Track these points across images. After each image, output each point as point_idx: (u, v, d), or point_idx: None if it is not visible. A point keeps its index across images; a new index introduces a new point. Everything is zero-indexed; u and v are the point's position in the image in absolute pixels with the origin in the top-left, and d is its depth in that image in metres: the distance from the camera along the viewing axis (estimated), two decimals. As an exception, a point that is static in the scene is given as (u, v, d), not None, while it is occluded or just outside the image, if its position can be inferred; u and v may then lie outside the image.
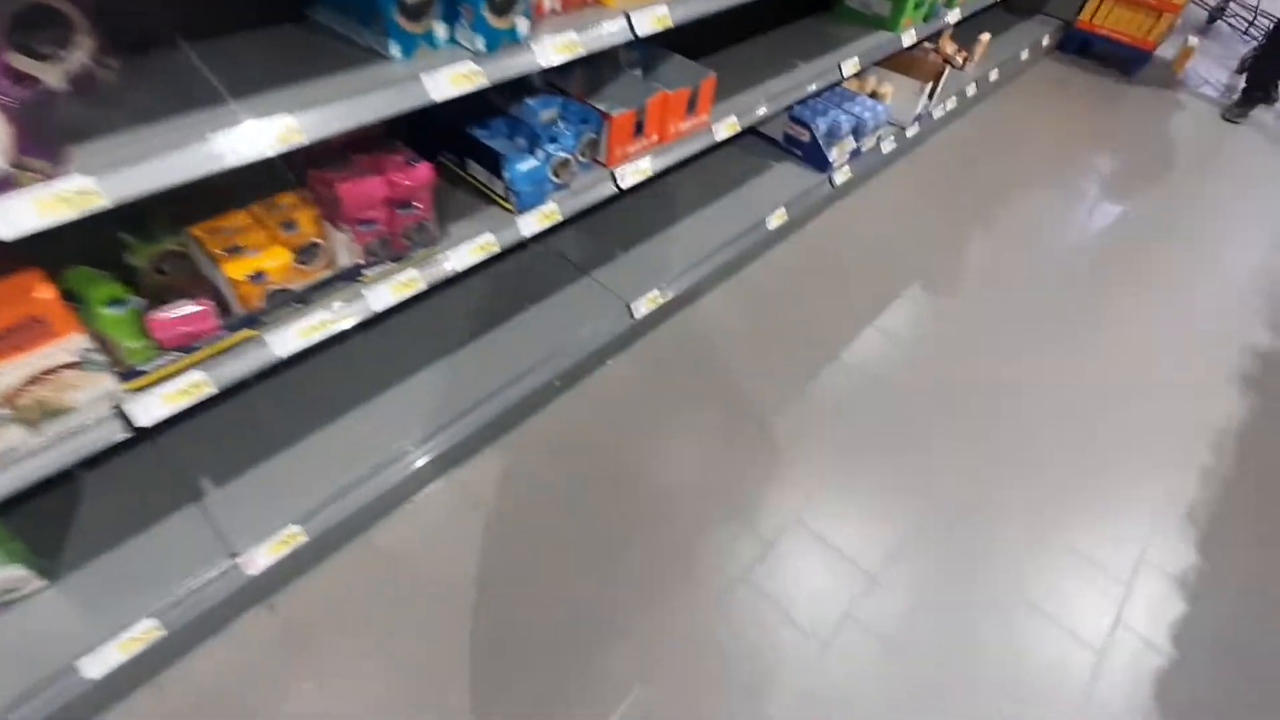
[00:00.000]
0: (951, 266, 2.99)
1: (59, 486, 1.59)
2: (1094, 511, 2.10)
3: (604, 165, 1.94)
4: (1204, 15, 5.65)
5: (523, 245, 2.22)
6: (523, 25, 1.40)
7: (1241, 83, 4.45)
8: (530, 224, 1.77)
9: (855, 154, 3.08)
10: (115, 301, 1.16)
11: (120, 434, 1.23)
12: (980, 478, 2.15)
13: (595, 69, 2.07)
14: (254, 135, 1.10)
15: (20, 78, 1.05)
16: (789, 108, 2.90)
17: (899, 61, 3.29)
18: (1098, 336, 2.70)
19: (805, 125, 2.91)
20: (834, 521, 1.98)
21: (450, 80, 1.33)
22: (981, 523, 2.03)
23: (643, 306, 2.32)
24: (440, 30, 1.35)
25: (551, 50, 1.48)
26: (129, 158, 1.01)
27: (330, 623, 1.65)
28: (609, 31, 1.57)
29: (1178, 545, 2.03)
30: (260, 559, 1.56)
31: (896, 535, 1.97)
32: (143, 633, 1.41)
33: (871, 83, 3.27)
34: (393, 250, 1.51)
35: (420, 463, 1.83)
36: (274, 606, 1.66)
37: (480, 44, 1.35)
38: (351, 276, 1.47)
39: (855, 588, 1.84)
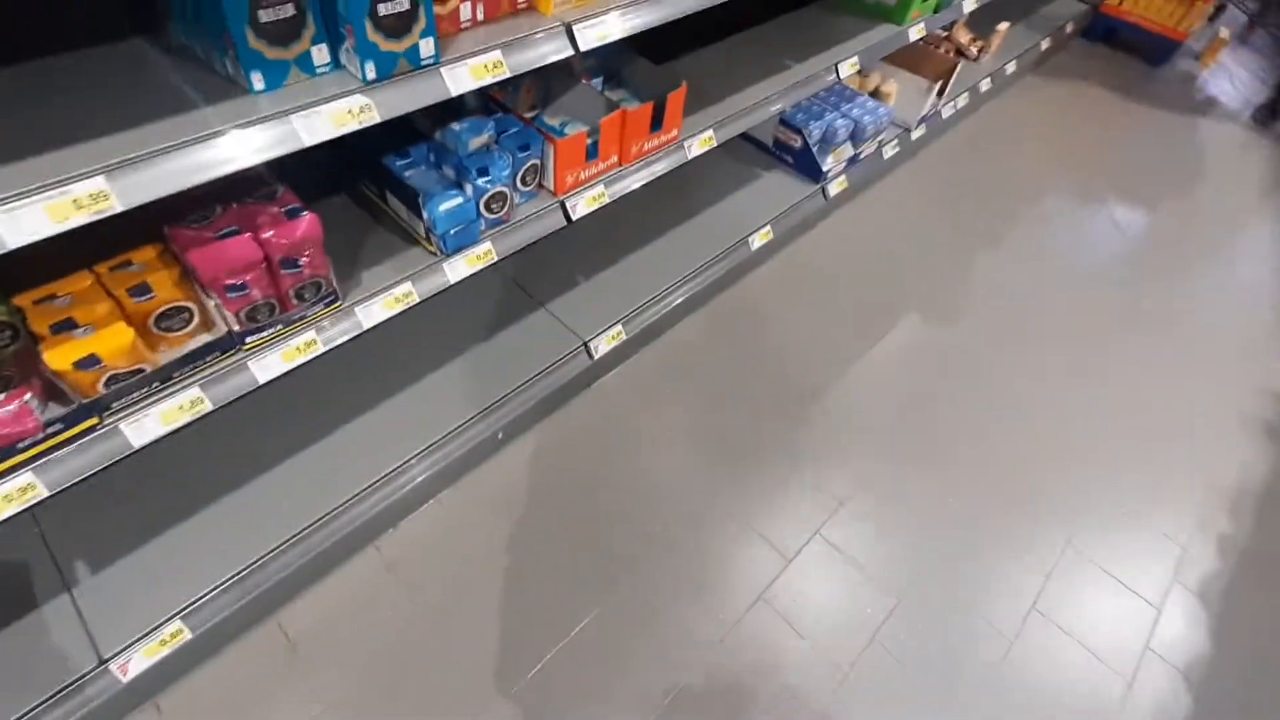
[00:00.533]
0: (955, 284, 2.72)
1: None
2: (1109, 531, 1.98)
3: (551, 193, 1.69)
4: (1242, 19, 5.22)
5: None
6: (426, 46, 1.13)
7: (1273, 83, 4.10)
8: (459, 269, 1.52)
9: (853, 161, 2.80)
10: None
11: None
12: (991, 500, 2.00)
13: (544, 79, 1.79)
14: (31, 217, 0.85)
15: None
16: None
17: (905, 56, 2.98)
18: (1113, 358, 2.46)
19: (797, 130, 2.63)
20: (853, 540, 1.87)
21: (331, 119, 1.07)
22: (989, 541, 1.90)
23: (603, 345, 2.08)
24: (319, 54, 1.09)
25: (467, 75, 1.21)
26: None
27: (225, 724, 1.46)
28: (543, 52, 1.30)
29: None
30: (136, 662, 1.36)
31: (912, 557, 1.86)
32: (-15, 760, 1.22)
33: (874, 80, 2.96)
34: (282, 313, 1.27)
35: (339, 533, 1.61)
36: (160, 708, 1.46)
37: (370, 70, 1.09)
38: (229, 347, 1.24)
39: (875, 609, 1.74)
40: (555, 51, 1.33)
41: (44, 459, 1.08)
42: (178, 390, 1.19)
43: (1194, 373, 2.49)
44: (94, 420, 1.12)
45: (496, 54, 1.24)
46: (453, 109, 1.56)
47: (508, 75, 1.27)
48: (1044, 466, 2.13)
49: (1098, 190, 3.30)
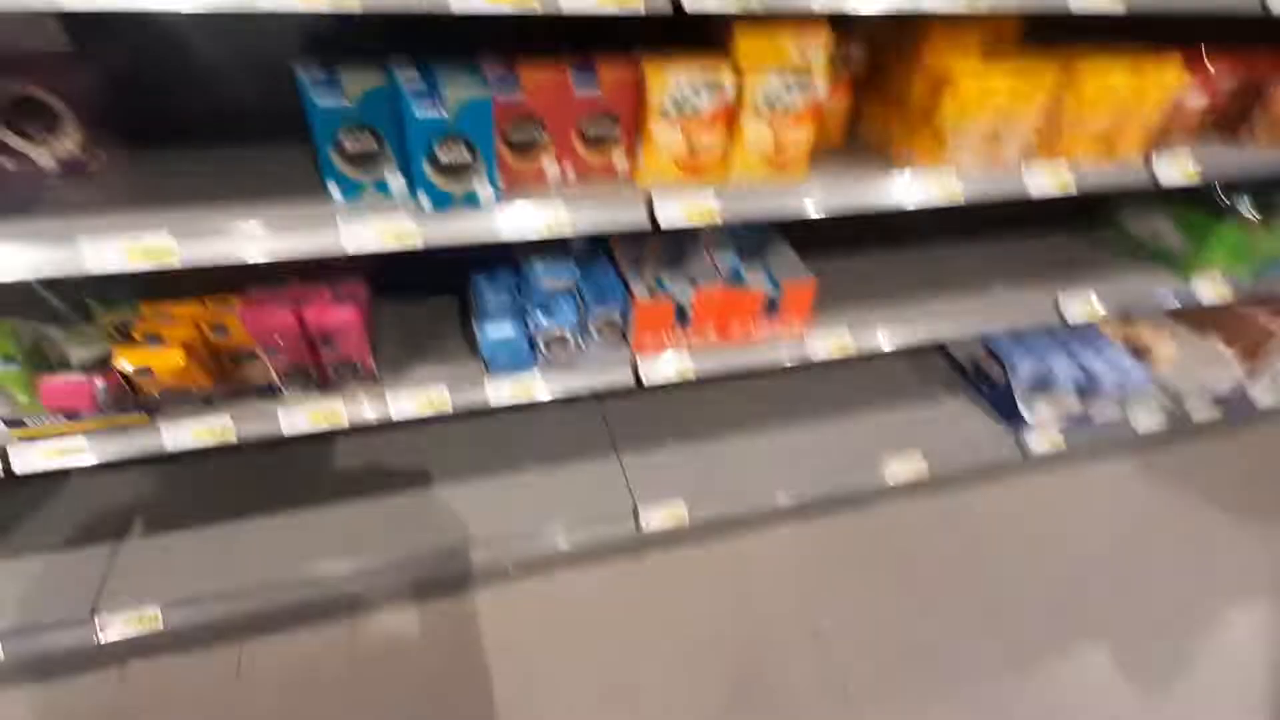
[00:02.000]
0: (1179, 648, 1.89)
1: None
2: None
3: (628, 349, 1.62)
4: None
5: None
6: (485, 192, 1.20)
7: None
8: (502, 392, 1.53)
9: (1079, 421, 2.20)
10: (6, 358, 1.23)
11: (-5, 470, 1.30)
12: None
13: (675, 244, 1.78)
14: (112, 248, 1.07)
15: (12, 153, 1.20)
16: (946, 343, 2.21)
17: (1210, 314, 2.31)
18: None
19: (999, 361, 2.18)
20: None
21: (378, 234, 1.18)
22: None
23: (655, 519, 1.88)
24: (397, 182, 1.23)
25: (524, 225, 1.25)
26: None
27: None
28: (615, 219, 1.29)
29: None
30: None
31: None
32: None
33: (1142, 333, 2.34)
34: (320, 380, 1.41)
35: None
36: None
37: (426, 202, 1.19)
38: (266, 393, 1.40)
39: None
40: (630, 221, 1.30)
41: (98, 434, 1.32)
42: (216, 414, 1.38)
43: None
44: (143, 418, 1.34)
45: (561, 211, 1.26)
46: (560, 249, 1.63)
47: (570, 234, 1.27)
48: None
49: None
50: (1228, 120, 1.73)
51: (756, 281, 1.73)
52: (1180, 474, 2.36)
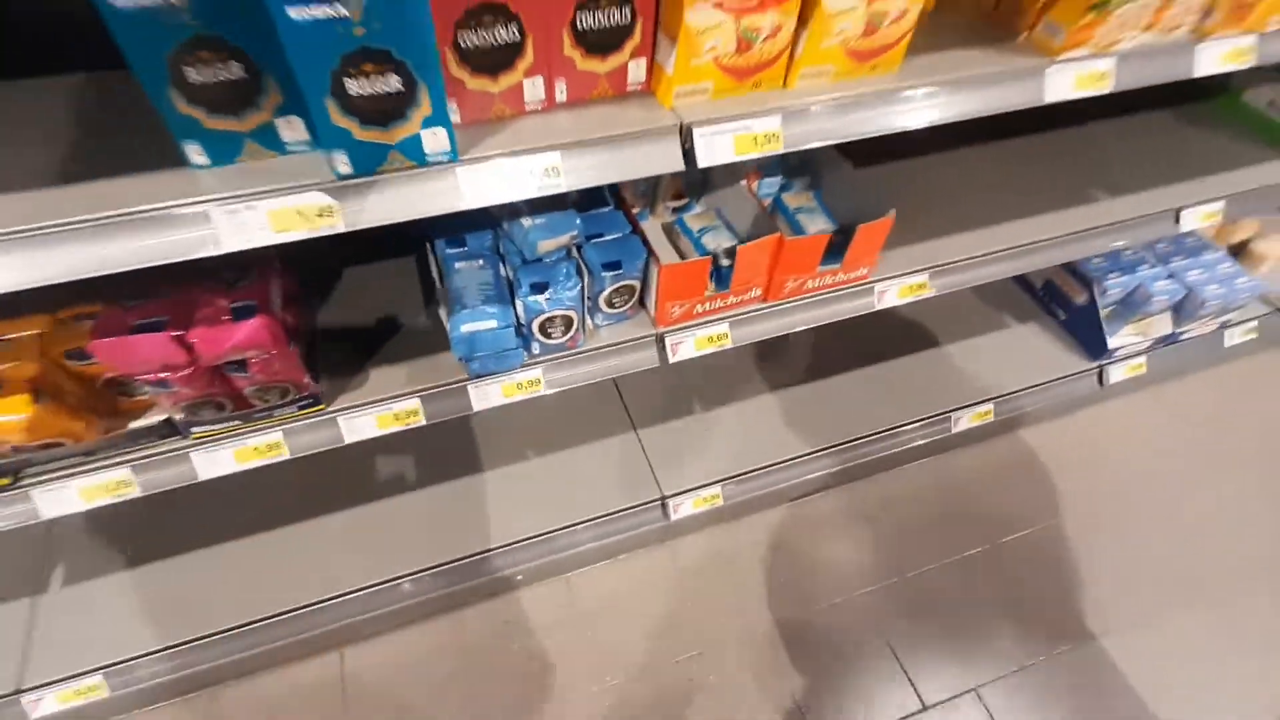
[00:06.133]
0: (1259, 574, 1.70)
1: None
2: None
3: (650, 321, 1.24)
4: None
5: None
6: (433, 138, 0.77)
7: None
8: (487, 396, 1.17)
9: (1167, 341, 1.88)
10: None
11: None
12: None
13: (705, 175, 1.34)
14: None
15: None
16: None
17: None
18: None
19: (1084, 281, 1.81)
20: None
21: (270, 220, 0.76)
22: None
23: (687, 506, 1.59)
24: (289, 131, 0.78)
25: (496, 183, 0.82)
26: None
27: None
28: (632, 161, 0.86)
29: None
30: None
31: None
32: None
33: (1243, 231, 1.97)
34: (237, 410, 1.02)
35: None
36: None
37: (343, 163, 0.76)
38: (167, 434, 1.03)
39: None
40: (656, 162, 0.88)
41: (-57, 509, 0.96)
42: (102, 469, 1.01)
43: None
44: (4, 480, 0.98)
45: (553, 156, 0.83)
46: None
47: (564, 187, 0.85)
48: None
49: None
50: None
51: (814, 222, 1.33)
52: (1273, 390, 2.09)
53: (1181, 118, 1.83)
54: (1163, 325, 1.85)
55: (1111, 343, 1.80)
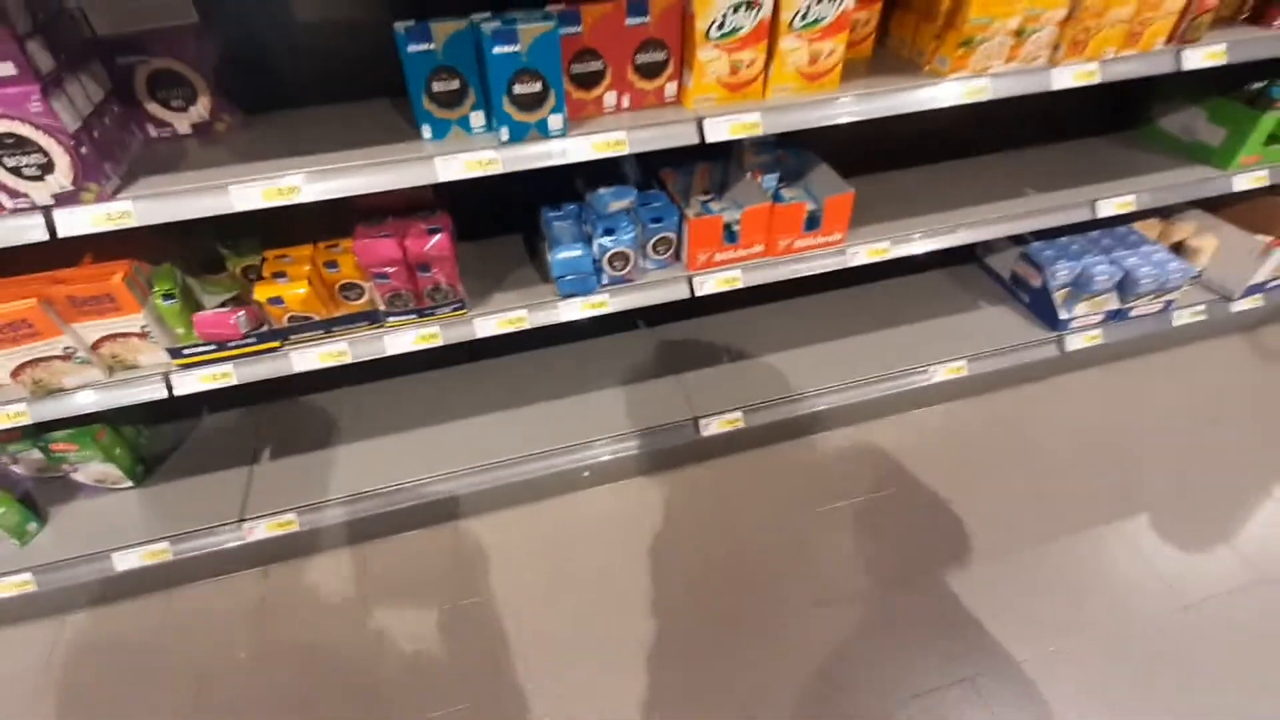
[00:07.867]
0: (1207, 518, 1.99)
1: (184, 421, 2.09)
2: None
3: (683, 266, 1.79)
4: None
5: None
6: (555, 121, 1.37)
7: None
8: (572, 310, 1.72)
9: (1116, 316, 2.28)
10: (168, 295, 1.46)
11: (162, 394, 1.55)
12: None
13: (721, 170, 1.92)
14: (251, 193, 1.28)
15: (158, 122, 1.42)
16: (990, 244, 2.30)
17: (1245, 209, 2.34)
18: None
19: (1037, 266, 2.26)
20: None
21: (465, 165, 1.36)
22: None
23: (715, 425, 2.07)
24: (478, 119, 1.40)
25: (588, 147, 1.41)
26: (168, 192, 1.28)
27: (295, 609, 1.83)
28: (667, 135, 1.44)
29: None
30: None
31: None
32: (159, 551, 1.76)
33: (1182, 230, 2.39)
34: (417, 305, 1.61)
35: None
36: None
37: (505, 134, 1.37)
38: (373, 319, 1.62)
39: None
40: (681, 138, 1.45)
41: (240, 360, 1.56)
42: (333, 340, 1.60)
43: None
44: (276, 344, 1.57)
45: (620, 133, 1.42)
46: (618, 178, 1.79)
47: (627, 152, 1.43)
48: None
49: None
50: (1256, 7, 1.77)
51: (798, 197, 1.87)
52: (1218, 364, 2.42)
53: (1112, 142, 2.33)
54: (1111, 302, 2.25)
55: (1063, 314, 2.22)
